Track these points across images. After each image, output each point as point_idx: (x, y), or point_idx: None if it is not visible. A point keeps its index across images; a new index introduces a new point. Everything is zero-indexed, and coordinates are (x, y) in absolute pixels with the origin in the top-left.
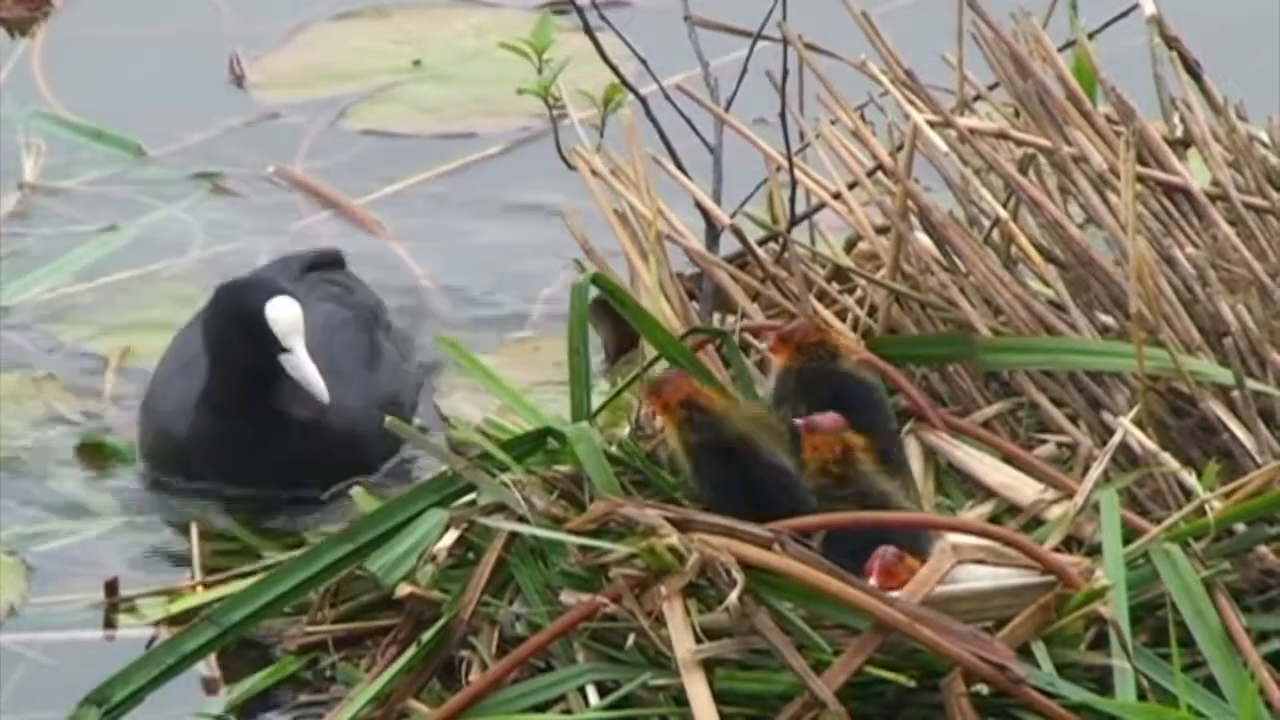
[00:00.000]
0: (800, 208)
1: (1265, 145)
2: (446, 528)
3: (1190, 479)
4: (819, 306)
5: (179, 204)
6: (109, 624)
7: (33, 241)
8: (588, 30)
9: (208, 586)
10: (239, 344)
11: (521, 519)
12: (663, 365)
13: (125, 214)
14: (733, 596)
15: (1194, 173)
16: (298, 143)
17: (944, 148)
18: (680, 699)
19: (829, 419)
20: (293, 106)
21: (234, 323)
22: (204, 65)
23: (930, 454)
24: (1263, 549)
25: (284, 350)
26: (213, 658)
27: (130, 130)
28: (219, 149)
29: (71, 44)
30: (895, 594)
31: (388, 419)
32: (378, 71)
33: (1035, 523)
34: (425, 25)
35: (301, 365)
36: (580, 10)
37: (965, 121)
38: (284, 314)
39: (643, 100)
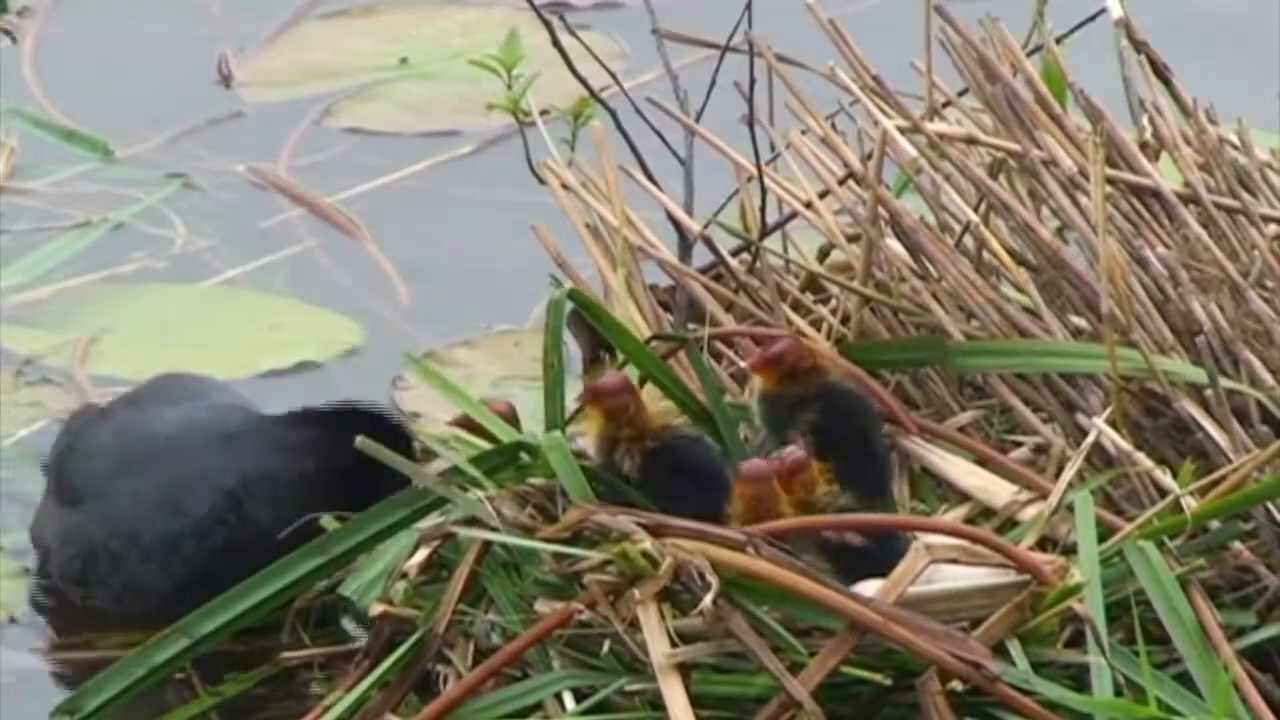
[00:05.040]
0: (773, 217)
1: (1235, 148)
2: (418, 545)
3: (1165, 478)
4: (793, 316)
5: (154, 202)
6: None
7: (4, 240)
8: (556, 44)
9: None
10: None
11: (494, 531)
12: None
13: (99, 212)
14: (707, 600)
15: (1164, 175)
16: (281, 142)
17: (914, 153)
18: (657, 703)
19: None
20: (278, 105)
21: None
22: (193, 65)
23: (904, 459)
24: (1237, 545)
25: None
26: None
27: (113, 129)
28: (202, 148)
29: (61, 42)
30: (869, 594)
31: (359, 438)
32: (364, 70)
33: (1010, 524)
34: (413, 23)
35: None
36: (548, 24)
37: (934, 127)
38: None
39: (613, 112)
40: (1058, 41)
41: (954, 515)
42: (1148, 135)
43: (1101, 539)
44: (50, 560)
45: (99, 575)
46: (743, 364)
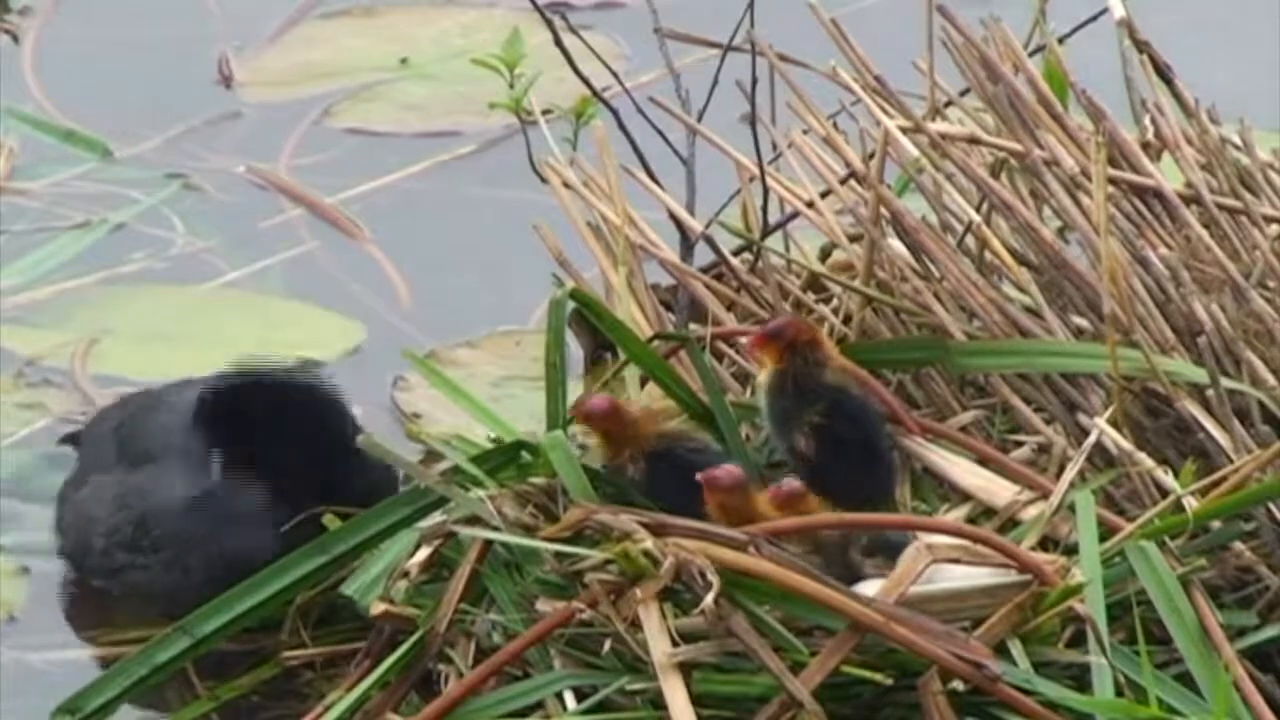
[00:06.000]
0: (775, 216)
1: (1237, 148)
2: (419, 544)
3: (1167, 478)
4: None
5: (155, 203)
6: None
7: (4, 240)
8: (558, 42)
9: None
10: None
11: (495, 530)
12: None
13: (98, 213)
14: (708, 599)
15: (1166, 175)
16: (281, 142)
17: (915, 153)
18: (658, 703)
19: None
20: (278, 105)
21: None
22: (193, 65)
23: (906, 458)
24: (1239, 545)
25: None
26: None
27: (113, 129)
28: (202, 148)
29: (61, 42)
30: (870, 594)
31: (362, 436)
32: (364, 70)
33: (1011, 524)
34: (413, 23)
35: None
36: (551, 23)
37: (936, 127)
38: None
39: (615, 112)
40: (1060, 41)
41: (955, 515)
42: (1149, 135)
43: (1103, 539)
44: (92, 534)
45: (150, 542)
46: (744, 343)
